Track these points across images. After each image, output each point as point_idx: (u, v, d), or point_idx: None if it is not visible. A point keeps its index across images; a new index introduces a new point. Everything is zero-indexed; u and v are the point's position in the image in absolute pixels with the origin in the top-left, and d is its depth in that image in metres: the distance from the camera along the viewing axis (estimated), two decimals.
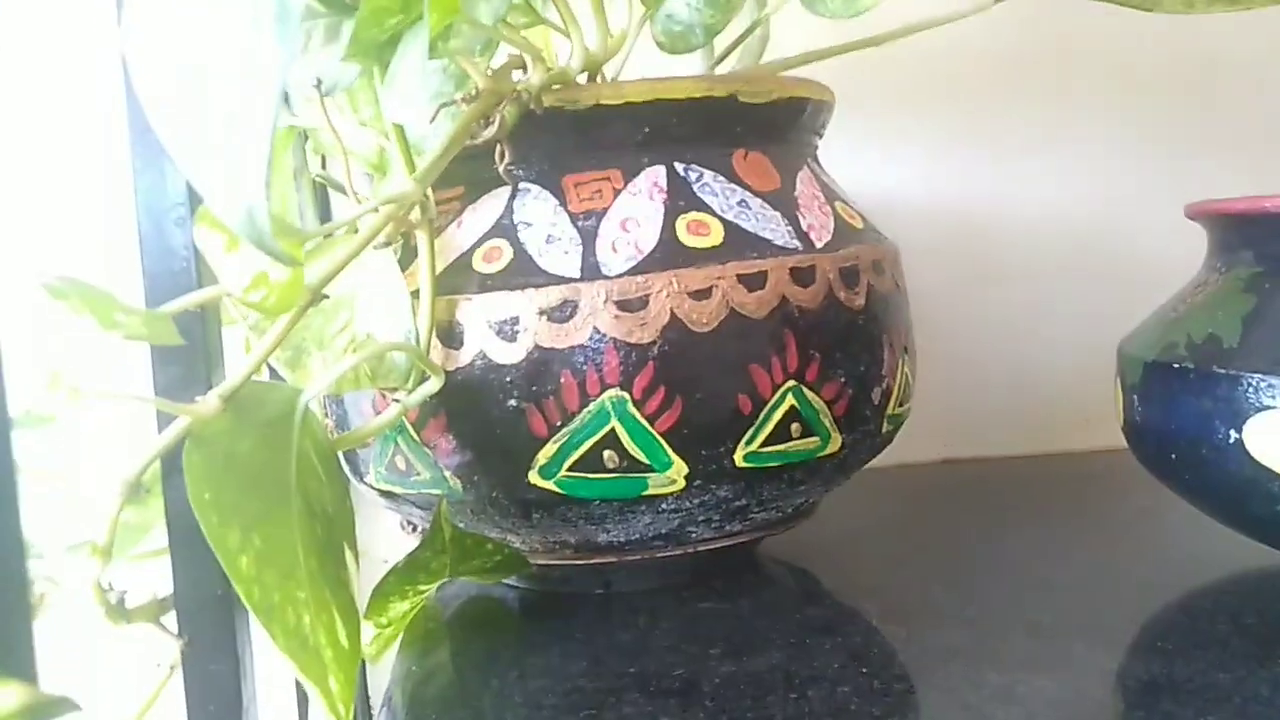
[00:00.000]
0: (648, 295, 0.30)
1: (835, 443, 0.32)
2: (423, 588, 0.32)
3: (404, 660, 0.33)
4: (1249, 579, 0.33)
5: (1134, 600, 0.32)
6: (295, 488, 0.24)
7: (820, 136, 0.37)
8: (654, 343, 0.30)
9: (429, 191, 0.29)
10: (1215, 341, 0.31)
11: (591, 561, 0.34)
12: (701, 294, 0.30)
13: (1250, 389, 0.29)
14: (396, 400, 0.29)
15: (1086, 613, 0.31)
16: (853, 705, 0.26)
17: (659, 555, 0.34)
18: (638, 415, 0.30)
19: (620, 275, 0.30)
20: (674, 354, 0.30)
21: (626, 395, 0.30)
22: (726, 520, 0.33)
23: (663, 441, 0.30)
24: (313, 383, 0.27)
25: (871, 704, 0.27)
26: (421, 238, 0.30)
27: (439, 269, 0.31)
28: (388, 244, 0.29)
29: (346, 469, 0.35)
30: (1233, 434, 0.29)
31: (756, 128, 0.33)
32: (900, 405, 0.35)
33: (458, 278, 0.31)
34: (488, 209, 0.32)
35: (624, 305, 0.30)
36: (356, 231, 0.29)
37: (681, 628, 0.32)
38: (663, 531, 0.33)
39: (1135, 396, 0.34)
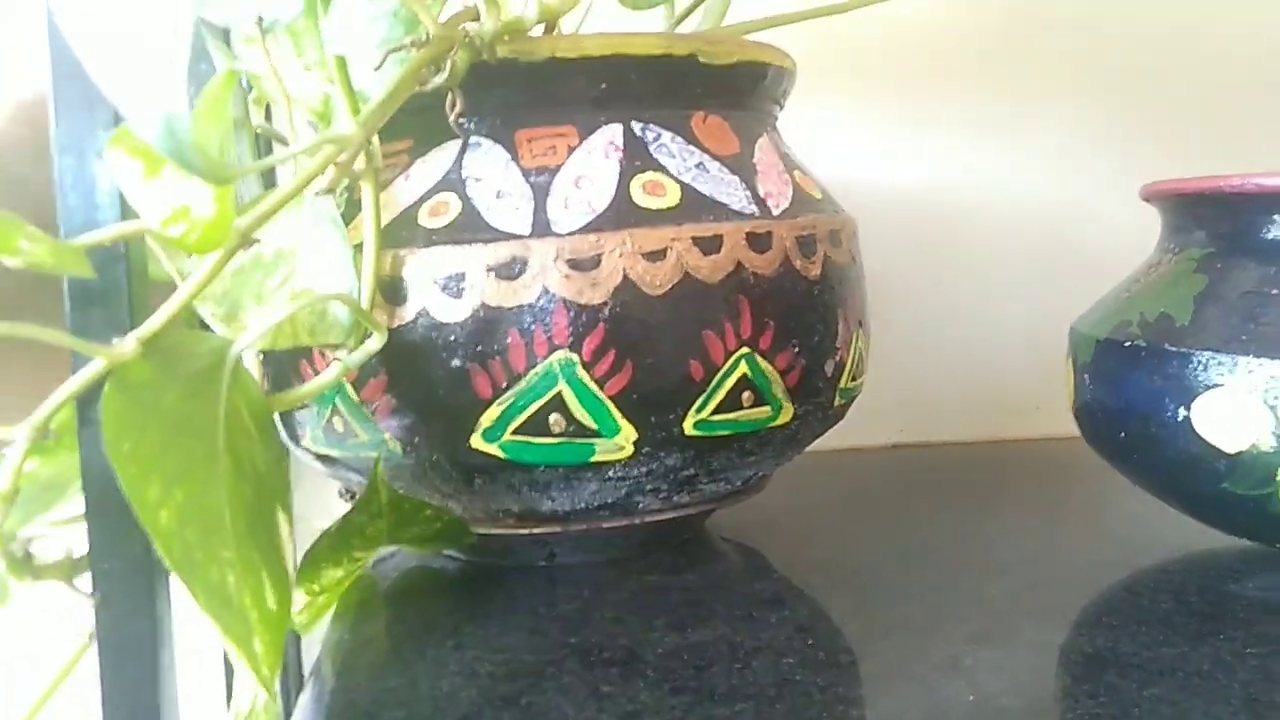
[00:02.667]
0: (600, 255, 0.29)
1: (787, 413, 0.32)
2: (358, 555, 0.31)
3: (336, 629, 0.32)
4: (1192, 559, 0.34)
5: (1081, 579, 0.32)
6: (223, 444, 0.23)
7: (781, 106, 0.37)
8: (605, 304, 0.29)
9: (375, 141, 0.28)
10: (1167, 320, 0.31)
11: (535, 531, 0.33)
12: (655, 255, 0.29)
13: (1200, 367, 0.29)
14: (337, 359, 0.28)
15: (1034, 590, 0.31)
16: (797, 676, 0.26)
17: (605, 526, 0.33)
18: (586, 378, 0.29)
19: (572, 233, 0.29)
20: (625, 316, 0.29)
21: (575, 357, 0.29)
22: (675, 491, 0.32)
23: (611, 406, 0.29)
24: (245, 334, 0.25)
25: (816, 674, 0.26)
26: (366, 188, 0.28)
27: (384, 222, 0.30)
28: (329, 191, 0.28)
29: (283, 433, 0.34)
30: (1182, 411, 0.30)
31: (716, 90, 0.33)
32: (853, 379, 0.35)
33: (403, 231, 0.30)
34: (437, 162, 0.31)
35: (575, 264, 0.29)
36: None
37: (626, 600, 0.32)
38: (609, 501, 0.32)
39: (1086, 375, 0.34)
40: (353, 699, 0.27)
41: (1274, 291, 0.29)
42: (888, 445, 0.52)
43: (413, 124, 0.30)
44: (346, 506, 0.41)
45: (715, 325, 0.30)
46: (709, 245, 0.30)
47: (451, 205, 0.30)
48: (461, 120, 0.30)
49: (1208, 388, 0.29)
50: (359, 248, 0.29)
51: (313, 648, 0.32)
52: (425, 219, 0.30)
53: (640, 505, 0.33)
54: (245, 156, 0.37)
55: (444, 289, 0.29)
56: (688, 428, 0.30)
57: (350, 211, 0.30)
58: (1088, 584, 0.32)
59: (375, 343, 0.28)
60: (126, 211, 0.27)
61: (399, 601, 0.34)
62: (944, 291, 0.53)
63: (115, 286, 0.28)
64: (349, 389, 0.30)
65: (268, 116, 0.39)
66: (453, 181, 0.30)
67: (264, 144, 0.39)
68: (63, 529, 0.30)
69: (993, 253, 0.53)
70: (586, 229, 0.29)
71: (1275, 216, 0.30)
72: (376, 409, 0.30)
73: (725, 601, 0.31)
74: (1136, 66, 0.53)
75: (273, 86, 0.31)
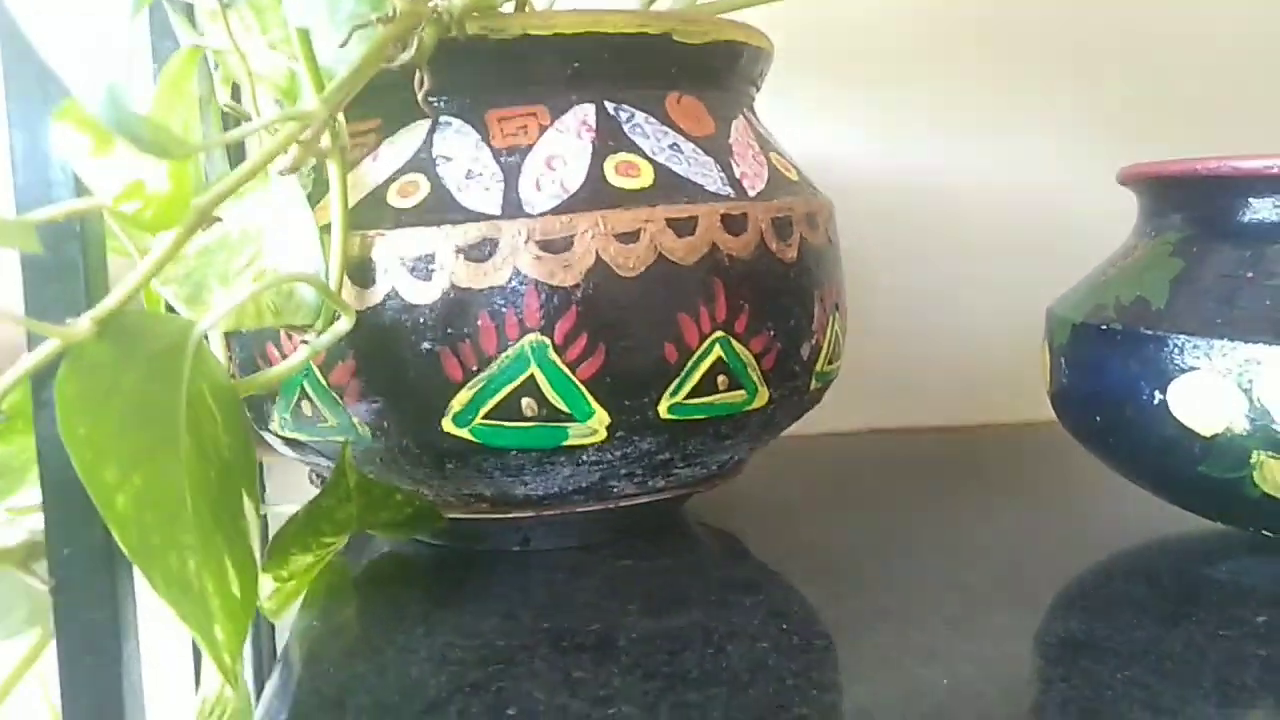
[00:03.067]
0: (572, 236, 0.28)
1: (762, 397, 0.32)
2: (328, 540, 0.31)
3: (305, 616, 0.31)
4: (1166, 543, 0.34)
5: (1056, 563, 0.32)
6: (185, 427, 0.22)
7: (757, 87, 0.36)
8: (577, 286, 0.28)
9: (340, 118, 0.27)
10: (1143, 303, 0.31)
11: (508, 516, 0.32)
12: (628, 237, 0.29)
13: (1176, 350, 0.29)
14: (305, 342, 0.28)
15: (1009, 575, 0.31)
16: (770, 660, 0.26)
17: (579, 511, 0.32)
18: (559, 361, 0.28)
19: (543, 214, 0.28)
20: (598, 298, 0.28)
21: (547, 340, 0.28)
22: (650, 475, 0.32)
23: (584, 389, 0.29)
24: (208, 315, 0.25)
25: (790, 659, 0.26)
26: (332, 167, 0.28)
27: (352, 203, 0.29)
28: (293, 169, 0.27)
29: (250, 417, 0.33)
30: (1157, 395, 0.30)
31: (691, 70, 0.32)
32: (830, 363, 0.35)
33: (371, 212, 0.29)
34: (405, 142, 0.30)
35: (546, 246, 0.28)
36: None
37: (600, 585, 0.31)
38: (583, 485, 0.31)
39: (1063, 359, 0.33)
40: (319, 686, 0.26)
41: (1249, 275, 0.29)
42: (865, 430, 0.52)
43: (380, 103, 0.30)
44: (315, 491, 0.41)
45: (689, 308, 0.29)
46: (683, 227, 0.29)
47: (421, 186, 0.29)
48: (431, 99, 0.29)
49: (1183, 371, 0.29)
50: (327, 228, 0.28)
51: (284, 634, 0.32)
52: (394, 199, 0.29)
53: (615, 490, 0.32)
54: (211, 135, 0.36)
55: (413, 271, 0.28)
56: (662, 411, 0.30)
57: (318, 191, 0.30)
58: (1063, 568, 0.32)
59: (344, 325, 0.27)
60: (81, 189, 0.27)
61: (369, 587, 0.34)
62: (922, 275, 0.53)
63: (71, 265, 0.27)
64: (317, 373, 0.30)
65: (235, 96, 0.38)
66: (422, 162, 0.30)
67: (232, 123, 0.39)
68: (21, 517, 0.29)
69: (971, 236, 0.53)
70: (558, 210, 0.28)
71: (1251, 200, 0.30)
72: (345, 393, 0.29)
73: (700, 586, 0.31)
74: (1112, 51, 0.53)
75: (236, 63, 0.30)
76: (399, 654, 0.27)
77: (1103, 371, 0.31)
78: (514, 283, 0.28)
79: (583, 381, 0.29)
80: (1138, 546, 0.34)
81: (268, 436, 0.33)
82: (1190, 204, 0.32)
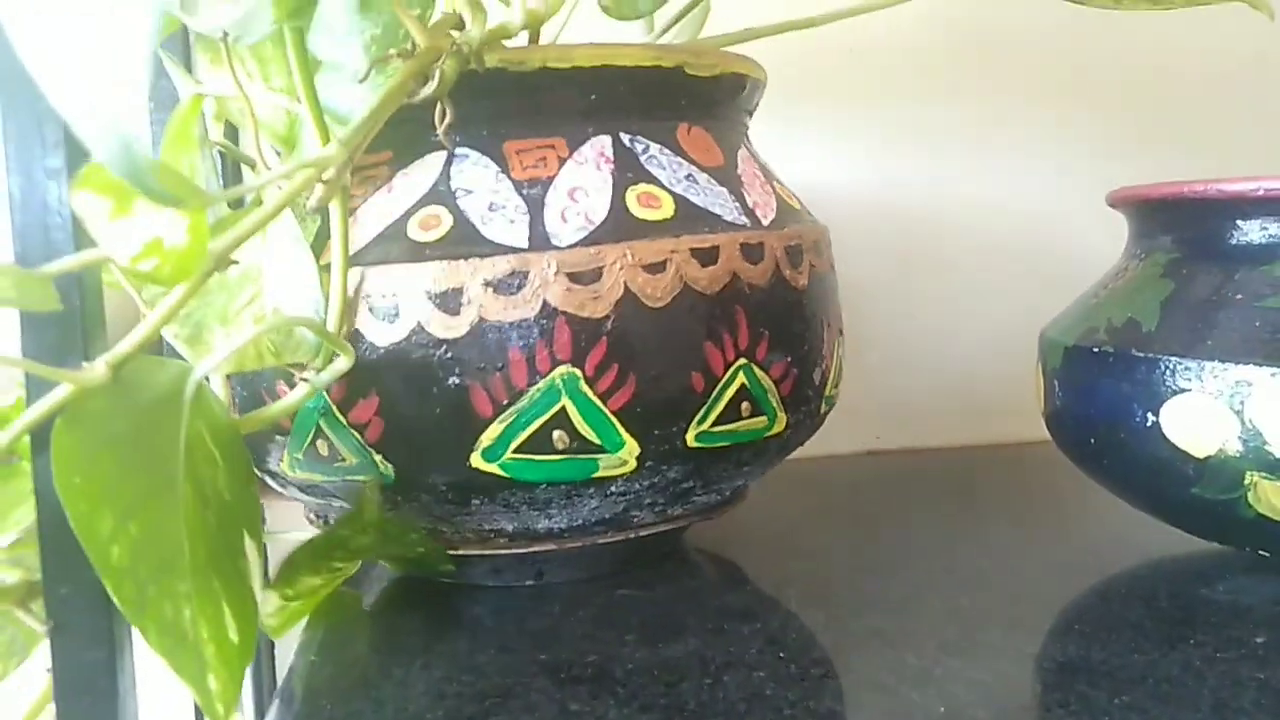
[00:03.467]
0: (600, 268, 0.28)
1: (780, 422, 0.32)
2: (338, 565, 0.30)
3: (306, 648, 0.31)
4: (1163, 564, 0.34)
5: (1053, 586, 0.32)
6: (184, 472, 0.22)
7: (750, 116, 0.37)
8: (607, 317, 0.28)
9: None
10: (1134, 326, 0.31)
11: (527, 550, 0.32)
12: (655, 268, 0.29)
13: (1168, 372, 0.29)
14: (304, 380, 0.27)
15: (1006, 598, 0.31)
16: (768, 690, 0.26)
17: (600, 542, 0.32)
18: (590, 393, 0.28)
19: (572, 246, 0.28)
20: (627, 329, 0.28)
21: (578, 372, 0.28)
22: (670, 504, 0.32)
23: (615, 421, 0.29)
24: (208, 358, 0.24)
25: (787, 689, 0.26)
26: (334, 207, 0.27)
27: (369, 237, 0.29)
28: (320, 209, 0.26)
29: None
30: (1150, 417, 0.30)
31: (699, 102, 0.33)
32: (834, 387, 0.35)
33: (391, 246, 0.29)
34: (420, 175, 0.30)
35: (575, 277, 0.28)
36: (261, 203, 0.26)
37: (597, 615, 0.31)
38: (606, 516, 0.31)
39: (1056, 381, 0.34)
40: None
41: (1239, 296, 0.29)
42: (864, 452, 0.52)
43: (391, 136, 0.29)
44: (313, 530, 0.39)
45: (715, 336, 0.30)
46: (706, 257, 0.30)
47: (443, 219, 0.29)
48: (450, 131, 0.29)
49: (1175, 393, 0.29)
50: (327, 267, 0.27)
51: (289, 660, 0.31)
52: (415, 232, 0.29)
53: (635, 520, 0.32)
54: (210, 177, 0.36)
55: (440, 305, 0.28)
56: (689, 440, 0.30)
57: (321, 227, 0.29)
58: (1060, 591, 0.32)
59: (343, 364, 0.27)
60: (79, 230, 0.26)
61: (371, 618, 0.33)
62: (918, 299, 0.53)
63: (71, 312, 0.26)
64: (335, 411, 0.29)
65: (228, 135, 0.37)
66: (441, 194, 0.29)
67: (228, 163, 0.38)
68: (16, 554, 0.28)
69: (964, 260, 0.54)
70: (585, 241, 0.28)
71: (1239, 222, 0.30)
72: (367, 431, 0.29)
73: (697, 614, 0.31)
74: (1104, 75, 0.54)
75: (239, 109, 0.30)
76: (396, 689, 0.27)
77: (1095, 394, 0.32)
78: (544, 315, 0.28)
79: (613, 412, 0.29)
80: (1134, 567, 0.34)
81: (269, 479, 0.32)
82: (1179, 226, 0.32)
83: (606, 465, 0.29)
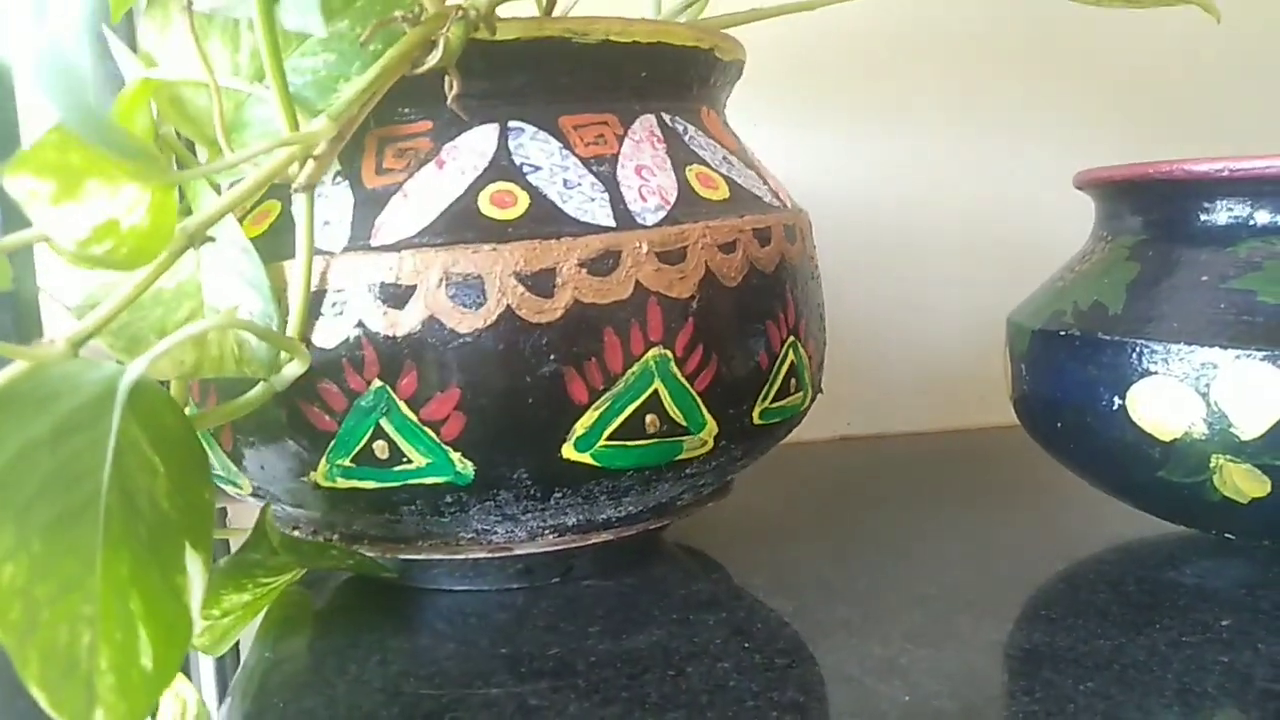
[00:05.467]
0: (685, 247, 0.28)
1: (809, 397, 0.33)
2: (265, 580, 0.29)
3: (258, 648, 0.29)
4: (1130, 548, 0.34)
5: (1020, 572, 0.32)
6: (110, 481, 0.19)
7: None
8: (692, 297, 0.28)
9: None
10: (1100, 309, 0.31)
11: (573, 546, 0.31)
12: (727, 248, 0.29)
13: (1134, 355, 0.29)
14: (265, 380, 0.25)
15: (973, 585, 0.31)
16: (731, 681, 0.25)
17: (650, 528, 0.32)
18: (679, 375, 0.28)
19: (658, 225, 0.28)
20: (709, 309, 0.28)
21: (669, 354, 0.27)
22: (715, 481, 0.32)
23: (700, 401, 0.28)
24: (140, 358, 0.21)
25: (751, 679, 0.25)
26: (299, 198, 0.25)
27: (436, 214, 0.27)
28: (308, 188, 0.24)
29: (233, 471, 0.29)
30: (1117, 400, 0.29)
31: (711, 85, 0.33)
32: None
33: (464, 225, 0.26)
34: (474, 148, 0.28)
35: (664, 257, 0.27)
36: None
37: (561, 606, 0.30)
38: (663, 501, 0.31)
39: (1023, 365, 0.34)
40: None
41: (1205, 278, 0.29)
42: (836, 438, 0.52)
43: (429, 105, 0.27)
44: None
45: (774, 315, 0.30)
46: (764, 237, 0.30)
47: (518, 196, 0.27)
48: (459, 100, 0.27)
49: (1141, 376, 0.29)
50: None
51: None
52: (489, 210, 0.27)
53: (679, 503, 0.32)
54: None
55: (531, 288, 0.26)
56: (755, 418, 0.30)
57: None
58: (1026, 577, 0.32)
59: (297, 367, 0.25)
60: (8, 213, 0.23)
61: (328, 614, 0.31)
62: (887, 284, 0.53)
63: (26, 291, 0.23)
64: (403, 408, 0.26)
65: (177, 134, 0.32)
66: (506, 169, 0.27)
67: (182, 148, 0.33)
68: None
69: (933, 244, 0.53)
70: (667, 221, 0.28)
71: (1206, 203, 0.30)
72: (443, 428, 0.26)
73: (662, 605, 0.30)
74: (1069, 57, 0.53)
75: (201, 96, 0.27)
76: (351, 685, 0.26)
77: (1062, 378, 0.31)
78: (637, 296, 0.27)
79: (699, 393, 0.28)
80: (1102, 552, 0.34)
81: (275, 496, 0.29)
82: (1145, 208, 0.32)
83: (690, 447, 0.29)
